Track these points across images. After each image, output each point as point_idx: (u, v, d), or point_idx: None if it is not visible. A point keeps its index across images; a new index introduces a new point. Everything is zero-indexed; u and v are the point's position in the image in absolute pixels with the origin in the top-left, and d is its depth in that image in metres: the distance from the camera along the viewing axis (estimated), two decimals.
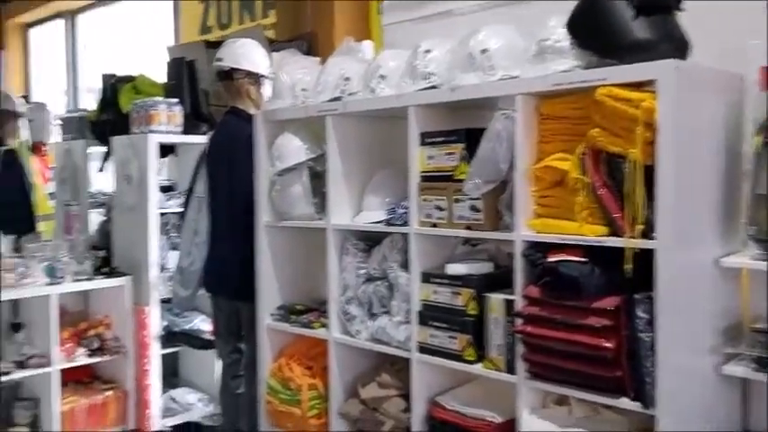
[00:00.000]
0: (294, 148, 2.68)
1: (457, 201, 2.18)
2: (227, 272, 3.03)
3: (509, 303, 2.07)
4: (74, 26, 7.42)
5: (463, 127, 2.23)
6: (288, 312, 2.77)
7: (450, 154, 2.22)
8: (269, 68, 3.12)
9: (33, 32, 8.09)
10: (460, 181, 2.14)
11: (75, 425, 3.41)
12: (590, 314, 1.82)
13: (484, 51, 2.11)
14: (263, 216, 2.82)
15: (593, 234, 1.85)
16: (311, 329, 2.67)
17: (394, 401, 2.44)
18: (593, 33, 1.88)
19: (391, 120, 2.52)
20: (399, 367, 2.47)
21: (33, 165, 4.60)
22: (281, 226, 2.80)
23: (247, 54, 3.12)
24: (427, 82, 2.26)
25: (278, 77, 2.83)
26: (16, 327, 3.40)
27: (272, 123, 2.80)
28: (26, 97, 5.60)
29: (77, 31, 7.42)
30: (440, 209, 2.23)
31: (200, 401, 3.80)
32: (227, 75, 3.11)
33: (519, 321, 2.00)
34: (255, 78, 3.11)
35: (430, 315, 2.28)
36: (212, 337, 3.39)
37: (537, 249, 1.97)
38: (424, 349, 2.29)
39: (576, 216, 1.87)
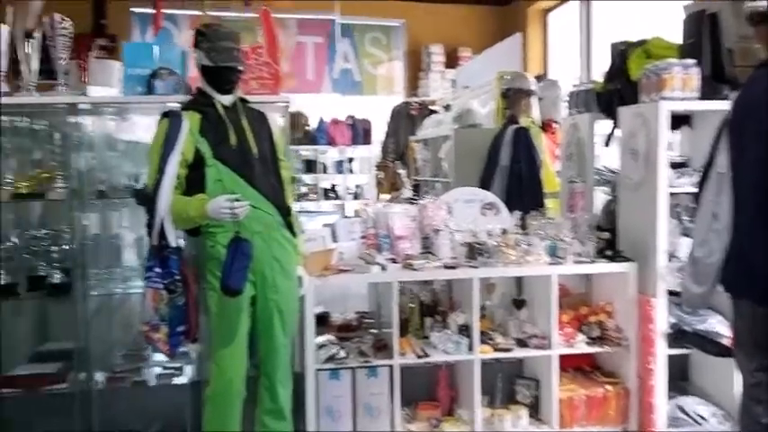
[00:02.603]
0: None
1: None
2: (754, 269, 2.37)
3: None
4: (588, 4, 7.42)
5: None
6: None
7: None
8: None
9: (552, 15, 8.48)
10: None
11: (573, 414, 3.25)
12: None
13: None
14: None
15: None
16: None
17: None
18: None
19: None
20: None
21: (542, 142, 4.65)
22: None
23: None
24: None
25: None
26: (519, 304, 3.42)
27: None
28: (540, 77, 5.74)
29: (591, 8, 7.38)
30: None
31: (713, 417, 3.20)
32: (764, 17, 2.42)
33: None
34: None
35: None
36: (732, 346, 2.77)
37: None
38: None
39: None
